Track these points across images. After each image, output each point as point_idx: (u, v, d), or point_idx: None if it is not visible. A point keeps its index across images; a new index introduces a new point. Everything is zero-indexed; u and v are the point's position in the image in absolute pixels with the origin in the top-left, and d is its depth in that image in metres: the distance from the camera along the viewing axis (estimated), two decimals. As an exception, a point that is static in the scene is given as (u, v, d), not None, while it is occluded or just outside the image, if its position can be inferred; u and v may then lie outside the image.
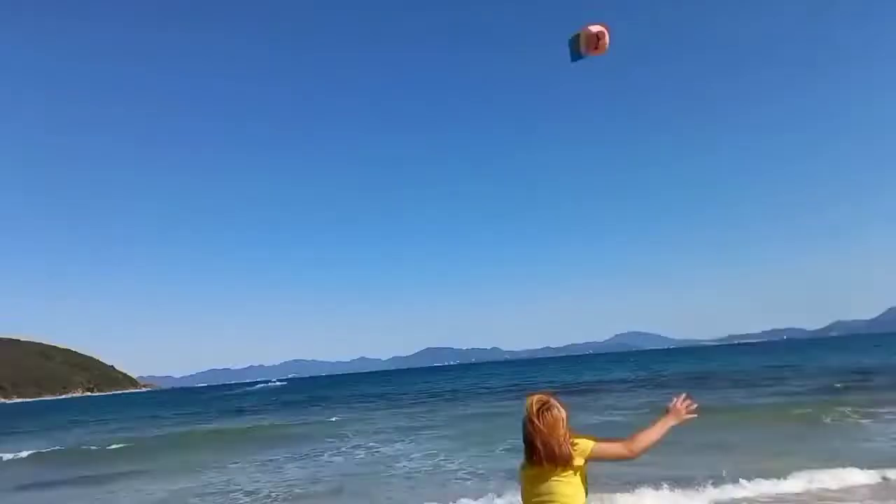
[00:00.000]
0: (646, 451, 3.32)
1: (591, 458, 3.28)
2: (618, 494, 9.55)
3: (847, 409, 18.21)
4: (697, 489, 9.84)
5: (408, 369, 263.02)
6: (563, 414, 3.30)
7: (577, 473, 3.25)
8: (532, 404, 3.29)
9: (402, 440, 19.59)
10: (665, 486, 9.81)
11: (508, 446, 15.02)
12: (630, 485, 9.80)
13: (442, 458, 15.46)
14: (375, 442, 19.60)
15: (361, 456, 17.10)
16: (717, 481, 10.04)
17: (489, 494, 10.50)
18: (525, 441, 3.27)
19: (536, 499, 3.23)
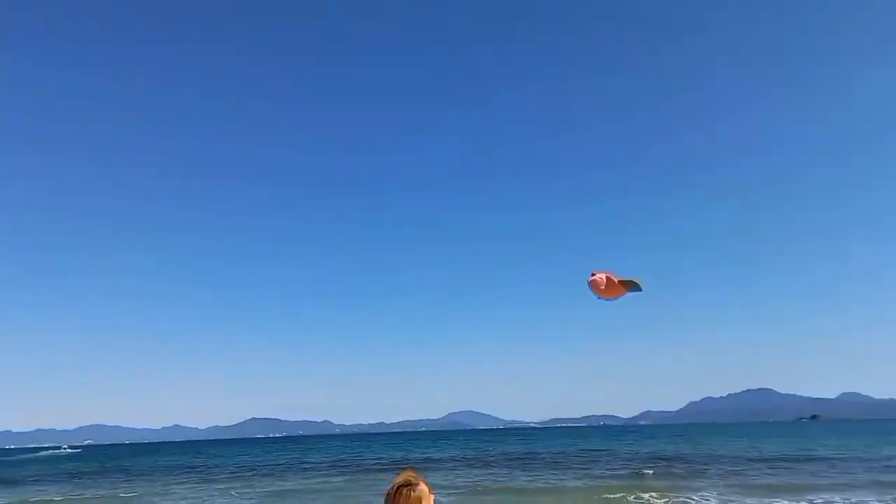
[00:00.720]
0: None
1: None
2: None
3: (653, 494, 19.44)
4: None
5: (229, 440, 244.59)
6: (428, 494, 3.24)
7: None
8: (396, 481, 3.23)
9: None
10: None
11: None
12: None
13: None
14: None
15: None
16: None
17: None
18: None
19: None
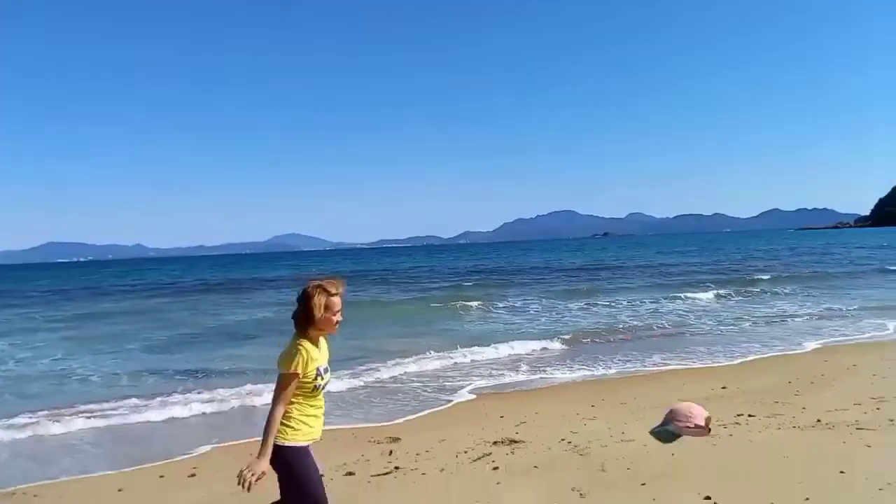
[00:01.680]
0: (268, 418, 3.00)
1: None
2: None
3: (474, 302, 21.04)
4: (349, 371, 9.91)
5: (24, 265, 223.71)
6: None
7: None
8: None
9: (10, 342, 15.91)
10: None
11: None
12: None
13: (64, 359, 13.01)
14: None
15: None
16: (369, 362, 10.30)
17: (117, 400, 8.85)
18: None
19: None
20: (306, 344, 3.06)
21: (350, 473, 5.24)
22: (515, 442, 5.89)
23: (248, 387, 9.17)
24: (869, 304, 17.28)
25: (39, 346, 15.18)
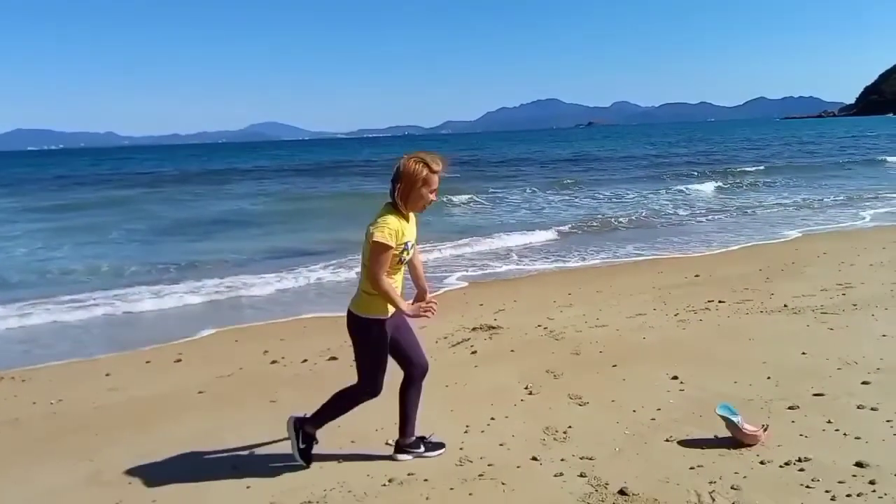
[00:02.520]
0: (378, 291, 3.08)
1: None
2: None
3: (457, 195, 20.82)
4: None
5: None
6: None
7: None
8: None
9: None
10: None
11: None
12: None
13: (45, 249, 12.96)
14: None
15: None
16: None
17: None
18: None
19: None
20: (398, 217, 3.09)
21: (333, 358, 5.40)
22: (494, 328, 6.07)
23: (232, 279, 9.25)
24: (849, 193, 17.56)
25: (18, 237, 15.05)
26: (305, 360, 5.40)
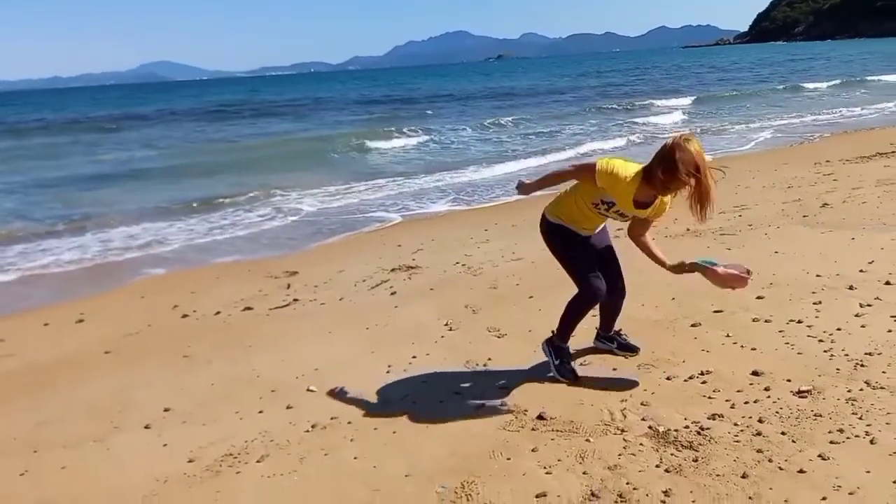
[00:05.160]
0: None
1: None
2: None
3: (371, 140, 20.25)
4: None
5: None
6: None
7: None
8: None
9: None
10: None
11: None
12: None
13: None
14: None
15: None
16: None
17: None
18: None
19: None
20: (635, 178, 2.94)
21: (248, 308, 5.25)
22: (412, 268, 6.06)
23: (134, 229, 8.76)
24: (760, 118, 18.37)
25: None
26: (219, 312, 5.21)
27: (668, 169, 2.79)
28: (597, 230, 3.37)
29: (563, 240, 3.29)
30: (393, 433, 3.01)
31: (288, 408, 3.36)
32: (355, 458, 2.83)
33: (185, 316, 5.22)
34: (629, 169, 2.96)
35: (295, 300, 5.37)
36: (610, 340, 3.66)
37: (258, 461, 2.87)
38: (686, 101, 26.74)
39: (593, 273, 3.24)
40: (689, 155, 2.76)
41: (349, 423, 3.14)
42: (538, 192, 3.44)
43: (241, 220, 9.33)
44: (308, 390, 3.54)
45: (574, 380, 3.33)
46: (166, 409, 3.46)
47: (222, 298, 5.58)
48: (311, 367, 3.85)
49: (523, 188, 3.36)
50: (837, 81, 29.83)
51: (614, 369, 3.47)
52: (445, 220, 8.80)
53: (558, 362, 3.39)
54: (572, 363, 3.43)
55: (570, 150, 14.77)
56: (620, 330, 3.69)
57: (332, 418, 3.19)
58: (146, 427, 3.29)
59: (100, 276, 6.92)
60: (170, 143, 22.31)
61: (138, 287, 6.38)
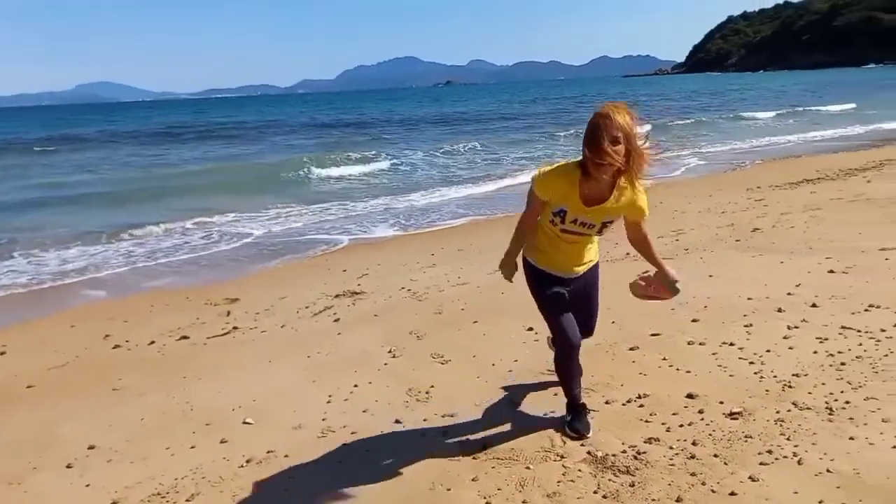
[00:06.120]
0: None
1: None
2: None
3: (318, 165, 20.09)
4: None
5: None
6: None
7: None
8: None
9: None
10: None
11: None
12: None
13: None
14: None
15: None
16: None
17: None
18: None
19: None
20: (570, 171, 2.65)
21: (184, 337, 5.07)
22: (357, 294, 6.00)
23: (66, 255, 8.41)
24: (691, 145, 19.05)
25: None
26: (153, 342, 5.02)
27: (591, 141, 2.48)
28: (579, 269, 2.99)
29: (530, 278, 3.02)
30: (331, 466, 2.93)
31: (222, 442, 3.24)
32: (290, 493, 2.74)
33: (116, 346, 5.01)
34: (563, 164, 2.73)
35: (234, 328, 5.23)
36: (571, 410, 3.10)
37: (187, 500, 2.75)
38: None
39: (560, 319, 2.93)
40: (611, 122, 2.46)
41: (286, 456, 3.05)
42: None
43: (182, 245, 9.08)
44: (244, 423, 3.43)
45: (579, 436, 2.97)
46: (91, 447, 3.29)
47: (158, 327, 5.38)
48: (248, 399, 3.74)
49: (506, 266, 3.05)
50: (773, 113, 31.06)
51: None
52: (392, 245, 8.77)
53: (569, 419, 3.06)
54: (581, 416, 3.06)
55: (522, 175, 14.86)
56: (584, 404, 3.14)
57: (268, 452, 3.10)
58: (68, 466, 3.11)
59: (27, 304, 6.60)
60: (109, 165, 21.66)
61: (68, 316, 6.10)
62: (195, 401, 3.81)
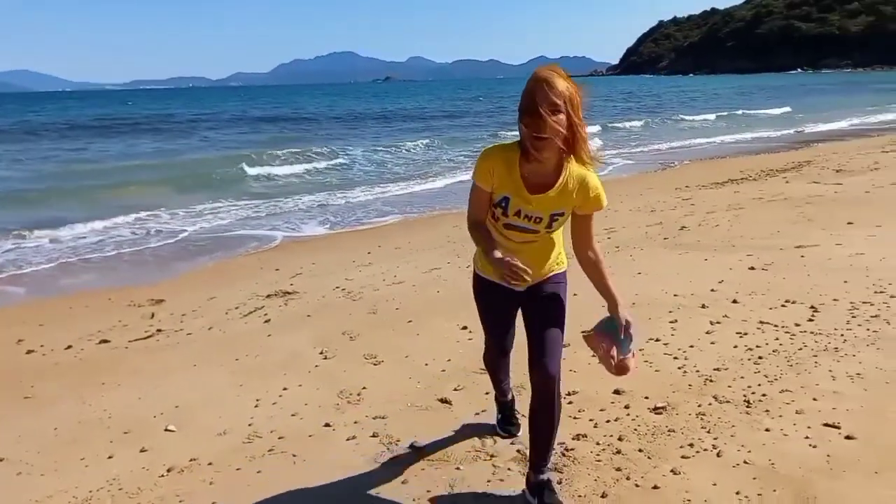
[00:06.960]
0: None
1: None
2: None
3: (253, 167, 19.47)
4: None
5: None
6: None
7: None
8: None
9: None
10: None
11: None
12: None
13: None
14: None
15: None
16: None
17: None
18: None
19: None
20: (509, 151, 2.26)
21: (104, 341, 4.83)
22: (289, 294, 5.87)
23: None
24: (617, 146, 19.58)
25: None
26: (70, 347, 4.76)
27: (528, 108, 2.10)
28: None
29: (477, 290, 2.69)
30: (257, 473, 2.85)
31: (142, 451, 3.10)
32: (214, 503, 2.65)
33: (30, 352, 4.72)
34: (501, 144, 2.34)
35: (158, 331, 5.02)
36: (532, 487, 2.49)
37: (102, 514, 2.61)
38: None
39: (493, 332, 2.74)
40: (550, 87, 2.08)
41: (210, 464, 2.94)
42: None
43: (105, 242, 8.68)
44: (166, 430, 3.29)
45: (510, 435, 2.99)
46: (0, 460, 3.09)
47: (76, 331, 5.11)
48: (171, 405, 3.59)
49: (497, 266, 2.21)
50: (713, 115, 31.99)
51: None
52: (328, 243, 8.63)
53: (500, 418, 3.08)
54: (512, 415, 3.04)
55: (463, 174, 14.87)
56: (559, 480, 2.61)
57: (191, 460, 2.98)
58: (-29, 483, 2.91)
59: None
60: (26, 160, 20.46)
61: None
62: (114, 408, 3.63)
